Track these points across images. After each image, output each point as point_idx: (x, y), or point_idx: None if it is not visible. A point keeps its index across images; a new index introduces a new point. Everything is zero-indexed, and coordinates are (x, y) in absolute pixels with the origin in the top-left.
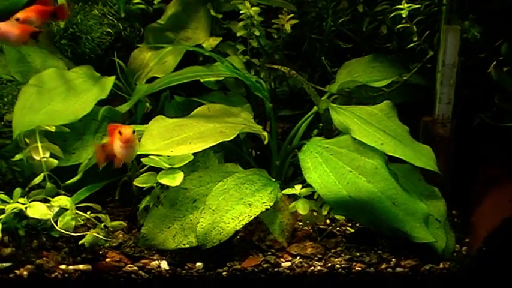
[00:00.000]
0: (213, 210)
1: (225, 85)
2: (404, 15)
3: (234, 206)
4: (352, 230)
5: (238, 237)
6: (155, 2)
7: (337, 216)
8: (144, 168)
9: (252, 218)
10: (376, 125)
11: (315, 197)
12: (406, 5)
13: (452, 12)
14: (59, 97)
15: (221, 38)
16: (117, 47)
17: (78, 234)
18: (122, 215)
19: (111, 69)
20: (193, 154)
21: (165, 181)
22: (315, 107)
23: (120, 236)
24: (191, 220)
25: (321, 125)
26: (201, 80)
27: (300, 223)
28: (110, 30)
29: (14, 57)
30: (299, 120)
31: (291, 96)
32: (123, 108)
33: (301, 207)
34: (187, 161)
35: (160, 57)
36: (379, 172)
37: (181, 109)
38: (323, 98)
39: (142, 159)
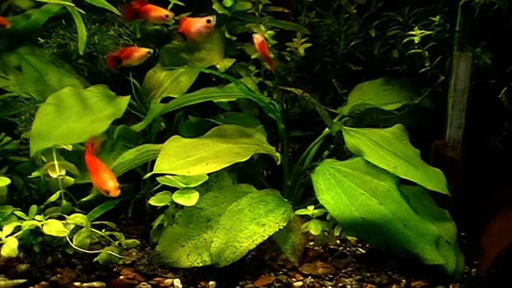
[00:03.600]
0: (227, 229)
1: (237, 106)
2: (416, 41)
3: (247, 226)
4: (363, 251)
5: (250, 256)
6: (169, 24)
7: (349, 237)
8: (157, 187)
9: (265, 238)
10: (388, 147)
11: (327, 218)
12: (418, 31)
13: (464, 39)
14: (76, 116)
15: (234, 60)
16: (132, 67)
17: (93, 251)
18: (135, 233)
19: (125, 88)
20: (208, 174)
21: (180, 200)
22: (327, 128)
23: (134, 253)
24: (205, 239)
25: (331, 146)
26: (214, 101)
27: (311, 243)
28: None
29: (32, 75)
30: (309, 141)
31: (301, 117)
32: (138, 127)
33: (314, 228)
34: (202, 181)
35: (175, 77)
36: (391, 194)
37: (195, 129)
38: (335, 120)
39: (157, 178)
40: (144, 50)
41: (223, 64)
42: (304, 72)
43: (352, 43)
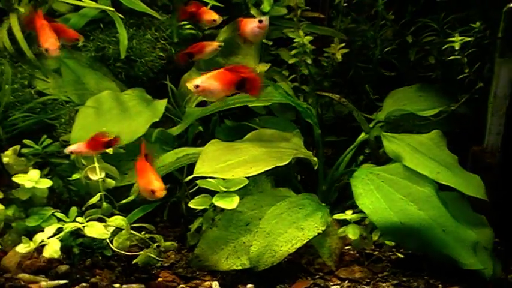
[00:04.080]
0: (267, 233)
1: (271, 110)
2: (457, 47)
3: (286, 229)
4: (401, 256)
5: (286, 259)
6: (205, 28)
7: (387, 242)
8: (193, 190)
9: (304, 242)
10: (427, 153)
11: (366, 223)
12: (458, 38)
13: (506, 45)
14: (115, 119)
15: (270, 64)
16: (168, 71)
17: (133, 253)
18: (172, 236)
19: (160, 91)
20: (247, 178)
21: (221, 204)
22: (363, 133)
23: (172, 256)
24: (244, 242)
25: (366, 151)
26: (249, 105)
27: (347, 247)
28: (163, 54)
29: (71, 78)
30: (342, 146)
31: (335, 122)
32: (175, 130)
33: (352, 232)
34: (243, 185)
35: None
36: (431, 200)
37: (232, 133)
38: (370, 125)
39: (198, 182)
40: (215, 44)
41: (259, 69)
42: (337, 77)
43: (387, 49)
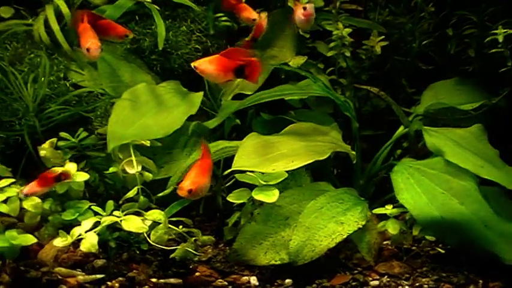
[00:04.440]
0: (306, 227)
1: (306, 103)
2: (500, 40)
3: (326, 224)
4: (441, 251)
5: (324, 254)
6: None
7: (427, 237)
8: (229, 183)
9: (345, 236)
10: (468, 147)
11: (407, 217)
12: (502, 30)
13: None
14: (151, 112)
15: (307, 57)
16: None
17: (171, 248)
18: (208, 230)
19: (194, 84)
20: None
21: (261, 198)
22: (401, 127)
23: (210, 250)
24: (283, 237)
25: (404, 144)
26: (286, 98)
27: (385, 242)
28: (198, 47)
29: (106, 71)
30: (378, 140)
31: (372, 116)
32: (212, 123)
33: (392, 227)
34: (282, 179)
35: None
36: (472, 194)
37: (268, 126)
38: (409, 119)
39: (236, 175)
40: (263, 18)
41: (296, 61)
42: (374, 70)
43: (425, 42)
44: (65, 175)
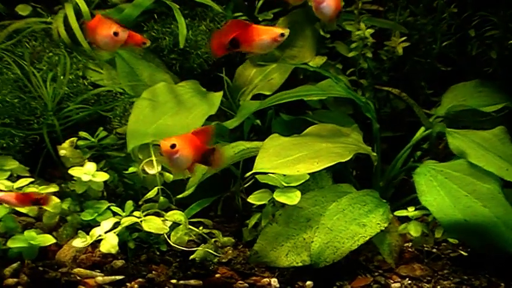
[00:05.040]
0: (328, 229)
1: (324, 104)
2: None
3: (348, 226)
4: (464, 253)
5: (344, 256)
6: (260, 19)
7: (450, 239)
8: (247, 184)
9: (367, 238)
10: (491, 149)
11: (429, 220)
12: None
13: None
14: (170, 111)
15: (326, 58)
16: (222, 63)
17: (191, 249)
18: (228, 231)
19: (214, 84)
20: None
21: (282, 199)
22: (422, 129)
23: (230, 252)
24: (304, 239)
25: (424, 146)
26: (305, 99)
27: (406, 244)
28: None
29: (125, 70)
30: (397, 141)
31: (391, 117)
32: (231, 123)
33: (414, 229)
34: (303, 180)
35: (266, 74)
36: (496, 197)
37: (288, 127)
38: (430, 120)
39: (257, 177)
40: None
41: (316, 61)
42: (394, 71)
43: (445, 43)
44: (44, 200)
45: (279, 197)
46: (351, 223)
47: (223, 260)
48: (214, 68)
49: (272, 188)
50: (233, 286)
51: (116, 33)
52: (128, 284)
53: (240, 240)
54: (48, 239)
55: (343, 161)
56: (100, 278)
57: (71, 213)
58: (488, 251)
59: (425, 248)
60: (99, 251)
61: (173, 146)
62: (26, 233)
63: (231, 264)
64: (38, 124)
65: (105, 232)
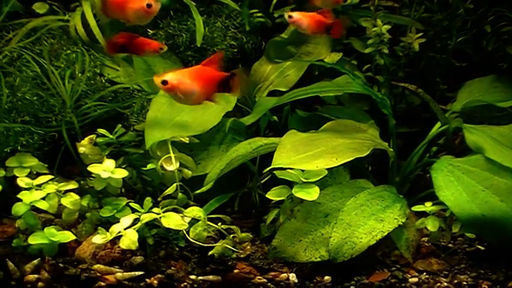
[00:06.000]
0: (346, 224)
1: (340, 100)
2: None
3: (366, 221)
4: (482, 248)
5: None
6: (275, 15)
7: (468, 234)
8: (264, 180)
9: (385, 234)
10: (508, 145)
11: (447, 215)
12: None
13: None
14: (188, 108)
15: (342, 54)
16: (237, 59)
17: (209, 245)
18: (245, 227)
19: None
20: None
21: (301, 195)
22: (438, 124)
23: (248, 247)
24: (322, 234)
25: (440, 142)
26: (321, 95)
27: (422, 239)
28: (234, 43)
29: (142, 67)
30: (413, 137)
31: (407, 113)
32: (248, 120)
33: (431, 224)
34: (322, 176)
35: (281, 70)
36: None
37: (304, 123)
38: (446, 115)
39: (275, 172)
40: None
41: (331, 58)
42: (409, 67)
43: (460, 39)
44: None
45: (298, 193)
46: (369, 218)
47: (242, 256)
48: (231, 65)
49: (289, 184)
50: (252, 281)
51: (149, 5)
52: (147, 279)
53: (257, 236)
54: (68, 236)
55: (361, 156)
56: (119, 274)
57: (90, 210)
58: (505, 245)
59: (442, 243)
60: (118, 247)
61: (164, 82)
62: (46, 229)
63: (249, 260)
64: (57, 121)
65: (125, 228)
